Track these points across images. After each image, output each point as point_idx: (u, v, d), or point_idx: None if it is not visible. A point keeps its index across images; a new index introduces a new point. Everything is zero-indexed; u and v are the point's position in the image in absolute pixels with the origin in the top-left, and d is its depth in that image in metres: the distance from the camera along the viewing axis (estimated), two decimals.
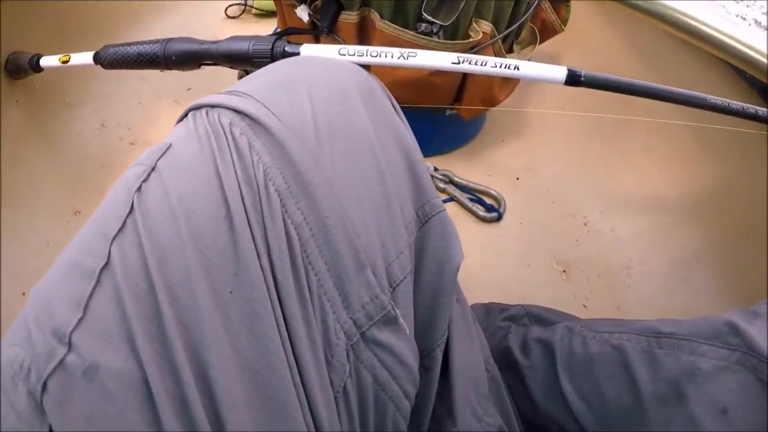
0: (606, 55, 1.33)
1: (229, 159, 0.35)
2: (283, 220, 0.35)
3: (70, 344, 0.30)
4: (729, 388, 0.47)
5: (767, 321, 0.48)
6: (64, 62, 0.86)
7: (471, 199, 1.10)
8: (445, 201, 1.09)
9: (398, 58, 0.59)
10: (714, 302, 0.98)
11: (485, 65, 0.58)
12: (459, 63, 0.58)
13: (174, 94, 1.25)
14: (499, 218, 1.08)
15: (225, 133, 0.36)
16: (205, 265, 0.32)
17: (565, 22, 1.04)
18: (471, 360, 0.50)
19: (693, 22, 0.85)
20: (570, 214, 1.12)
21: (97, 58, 0.80)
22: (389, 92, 0.49)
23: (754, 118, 0.62)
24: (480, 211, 1.08)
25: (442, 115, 1.05)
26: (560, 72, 0.59)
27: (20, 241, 0.90)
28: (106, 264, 0.32)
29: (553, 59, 1.40)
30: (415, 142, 0.47)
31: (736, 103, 0.62)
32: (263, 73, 0.43)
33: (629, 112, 0.96)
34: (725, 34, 0.83)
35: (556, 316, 0.72)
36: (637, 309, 0.99)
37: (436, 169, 1.13)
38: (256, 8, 1.56)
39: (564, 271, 1.02)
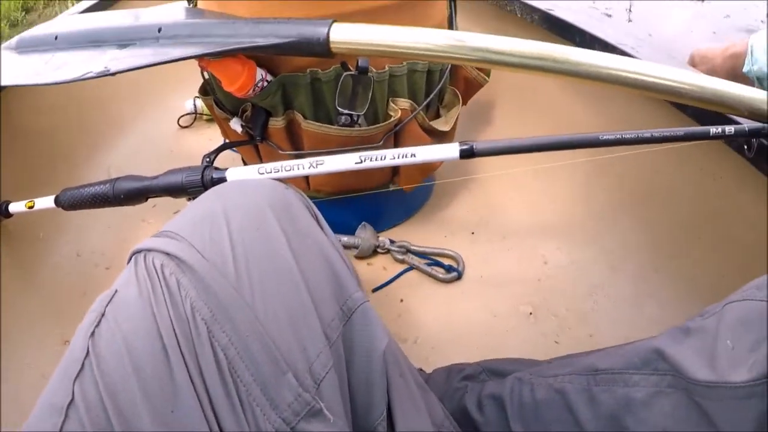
0: (539, 91, 1.38)
1: (162, 298, 0.42)
2: (211, 343, 0.42)
3: None
4: (664, 413, 0.50)
5: (698, 337, 0.51)
6: (30, 207, 0.91)
7: (429, 264, 1.14)
8: (404, 271, 1.14)
9: (309, 167, 0.65)
10: (681, 308, 1.00)
11: (385, 159, 0.64)
12: (362, 162, 0.64)
13: (141, 214, 1.30)
14: (459, 277, 1.12)
15: (158, 275, 0.44)
16: (147, 393, 0.39)
17: (488, 73, 1.10)
18: (417, 429, 0.54)
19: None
20: (528, 257, 1.17)
21: (57, 202, 0.86)
22: (308, 200, 0.56)
23: (649, 141, 0.67)
24: (440, 273, 1.12)
25: (386, 191, 1.10)
26: (453, 150, 0.64)
27: (16, 376, 0.94)
28: (71, 401, 0.39)
29: (488, 108, 1.47)
30: (335, 243, 0.54)
31: (630, 133, 0.67)
32: (191, 208, 0.51)
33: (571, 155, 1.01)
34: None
35: (512, 365, 0.76)
36: (610, 333, 1.01)
37: (392, 242, 1.16)
38: (205, 115, 1.64)
39: (531, 313, 1.05)
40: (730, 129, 0.66)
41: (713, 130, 0.66)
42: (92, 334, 0.41)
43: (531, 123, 1.36)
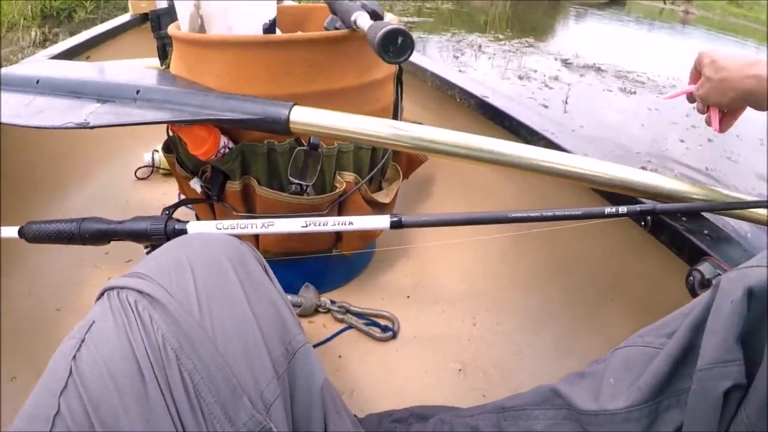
0: (473, 168, 1.49)
1: (137, 329, 0.50)
2: (180, 369, 0.50)
3: None
4: None
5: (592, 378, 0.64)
6: None
7: (367, 323, 1.22)
8: (343, 329, 1.21)
9: (261, 227, 0.74)
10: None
11: (327, 225, 0.74)
12: (307, 226, 0.73)
13: (93, 260, 1.36)
14: (394, 336, 1.20)
15: (132, 310, 0.52)
16: (126, 408, 0.47)
17: None
18: None
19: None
20: (459, 318, 1.26)
21: (21, 233, 0.90)
22: (259, 255, 0.66)
23: (551, 219, 0.77)
24: (376, 333, 1.20)
25: (329, 255, 1.18)
26: (384, 221, 0.74)
27: None
28: (57, 412, 0.46)
29: (427, 182, 1.60)
30: (282, 292, 0.64)
31: (534, 212, 0.77)
32: (158, 255, 0.60)
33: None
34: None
35: (437, 410, 0.85)
36: (533, 385, 1.08)
37: (332, 302, 1.24)
38: (162, 169, 1.71)
39: (460, 370, 1.14)
40: (623, 209, 0.78)
41: (608, 209, 0.78)
42: (74, 357, 0.48)
43: (464, 197, 1.48)
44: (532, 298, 1.27)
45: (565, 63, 6.02)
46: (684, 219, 0.87)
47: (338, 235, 1.15)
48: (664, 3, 26.20)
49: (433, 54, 5.46)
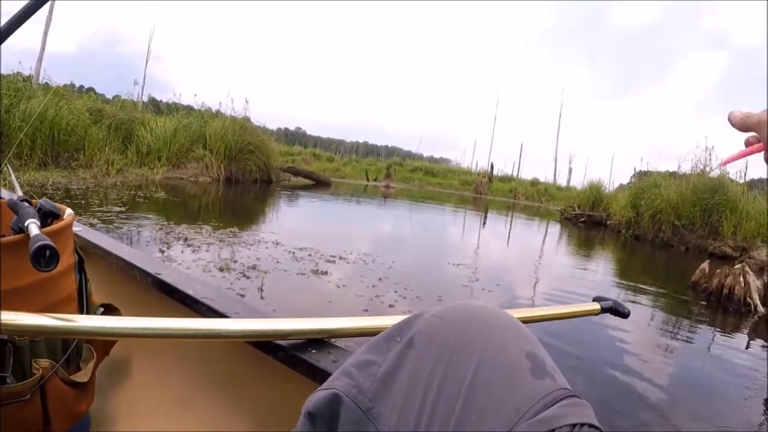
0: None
1: None
2: None
3: None
4: None
5: None
6: None
7: None
8: None
9: None
10: None
11: None
12: None
13: None
14: None
15: None
16: None
17: None
18: None
19: None
20: None
21: None
22: None
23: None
24: None
25: None
26: None
27: None
28: None
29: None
30: None
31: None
32: None
33: None
34: None
35: None
36: None
37: None
38: None
39: None
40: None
41: None
42: None
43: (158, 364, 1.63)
44: None
45: (266, 250, 6.51)
46: (313, 351, 1.08)
47: (46, 417, 1.20)
48: (368, 180, 29.44)
49: (140, 249, 5.53)
